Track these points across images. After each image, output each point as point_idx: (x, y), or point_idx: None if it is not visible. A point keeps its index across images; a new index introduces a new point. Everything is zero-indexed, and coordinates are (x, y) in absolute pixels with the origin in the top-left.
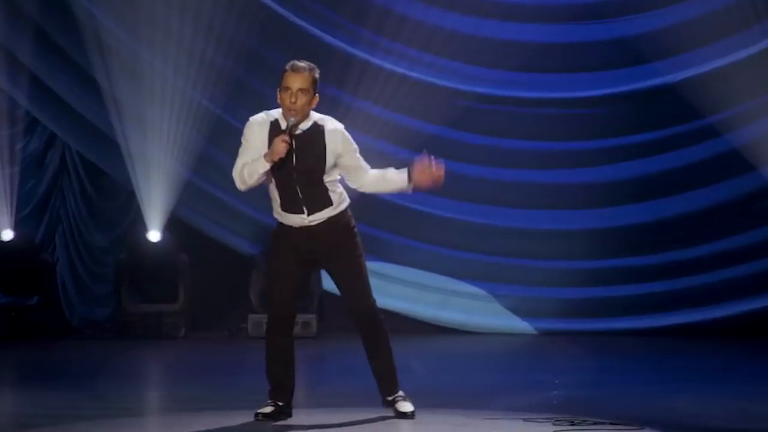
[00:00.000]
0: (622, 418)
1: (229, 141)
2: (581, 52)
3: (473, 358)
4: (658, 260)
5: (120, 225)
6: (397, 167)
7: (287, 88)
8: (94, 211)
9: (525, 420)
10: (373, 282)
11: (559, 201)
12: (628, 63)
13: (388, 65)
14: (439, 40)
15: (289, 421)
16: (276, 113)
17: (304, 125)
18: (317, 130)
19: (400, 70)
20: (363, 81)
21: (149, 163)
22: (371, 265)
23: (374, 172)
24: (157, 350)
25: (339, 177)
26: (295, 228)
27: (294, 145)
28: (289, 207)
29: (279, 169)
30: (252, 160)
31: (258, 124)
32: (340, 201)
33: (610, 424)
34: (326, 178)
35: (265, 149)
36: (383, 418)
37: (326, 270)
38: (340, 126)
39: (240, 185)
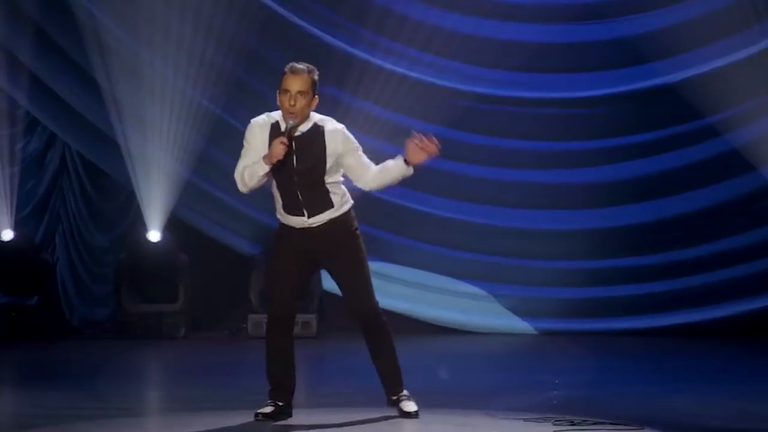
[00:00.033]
0: (622, 418)
1: (229, 141)
2: (581, 52)
3: (473, 358)
4: (658, 260)
5: (120, 225)
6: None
7: (286, 91)
8: (94, 211)
9: (525, 420)
10: (374, 282)
11: (559, 201)
12: (628, 63)
13: (388, 65)
14: (439, 40)
15: (289, 421)
16: (277, 115)
17: (304, 127)
18: (317, 131)
19: (400, 70)
20: (363, 81)
21: (149, 163)
22: (371, 266)
23: (375, 168)
24: (157, 350)
25: (342, 179)
26: (297, 229)
27: (294, 147)
28: (290, 209)
29: (279, 171)
30: (252, 163)
31: (259, 126)
32: (342, 203)
33: (610, 424)
34: (327, 180)
35: (266, 151)
36: (383, 418)
37: (328, 271)
38: (340, 126)
39: (241, 187)
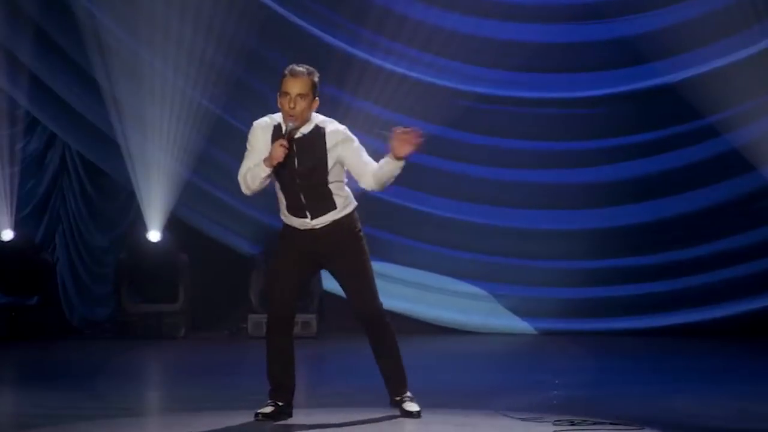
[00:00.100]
0: (622, 418)
1: (229, 141)
2: (581, 52)
3: (473, 358)
4: (658, 260)
5: (120, 225)
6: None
7: (286, 93)
8: (94, 211)
9: (525, 420)
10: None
11: (559, 201)
12: (628, 63)
13: (388, 65)
14: (439, 40)
15: (289, 421)
16: (279, 117)
17: (305, 129)
18: (318, 133)
19: (400, 70)
20: (363, 81)
21: (149, 163)
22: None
23: (374, 167)
24: (157, 350)
25: (346, 180)
26: (300, 230)
27: (295, 149)
28: (294, 210)
29: (281, 173)
30: (254, 165)
31: (261, 128)
32: (345, 204)
33: (610, 424)
34: (330, 181)
35: (268, 153)
36: (384, 418)
37: (331, 272)
38: (342, 127)
39: (245, 189)
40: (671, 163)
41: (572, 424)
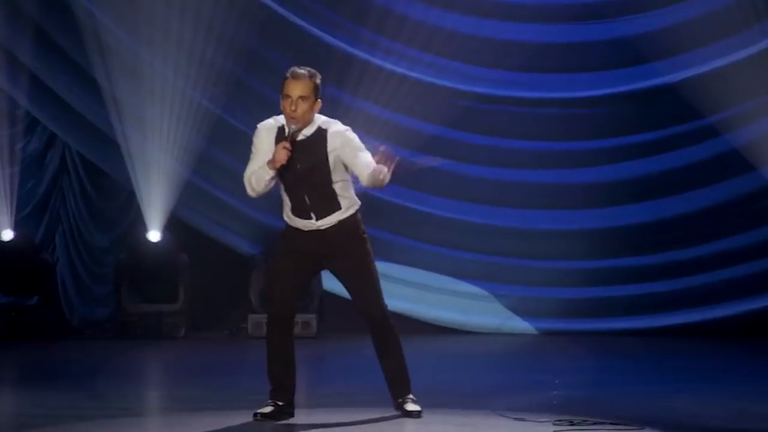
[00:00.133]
0: (622, 418)
1: (229, 141)
2: (581, 52)
3: (473, 358)
4: (658, 260)
5: (120, 225)
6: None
7: (287, 96)
8: (94, 211)
9: (525, 420)
10: None
11: (559, 201)
12: (628, 63)
13: (388, 65)
14: (439, 40)
15: (290, 421)
16: (284, 118)
17: (308, 131)
18: (320, 134)
19: (400, 70)
20: (363, 81)
21: (149, 163)
22: None
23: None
24: (157, 350)
25: (351, 180)
26: (305, 231)
27: (297, 152)
28: (299, 212)
29: (285, 175)
30: (259, 168)
31: (266, 130)
32: (350, 205)
33: (610, 424)
34: (334, 181)
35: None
36: (384, 418)
37: (335, 273)
38: (343, 128)
39: (250, 192)
40: (671, 163)
41: (572, 424)
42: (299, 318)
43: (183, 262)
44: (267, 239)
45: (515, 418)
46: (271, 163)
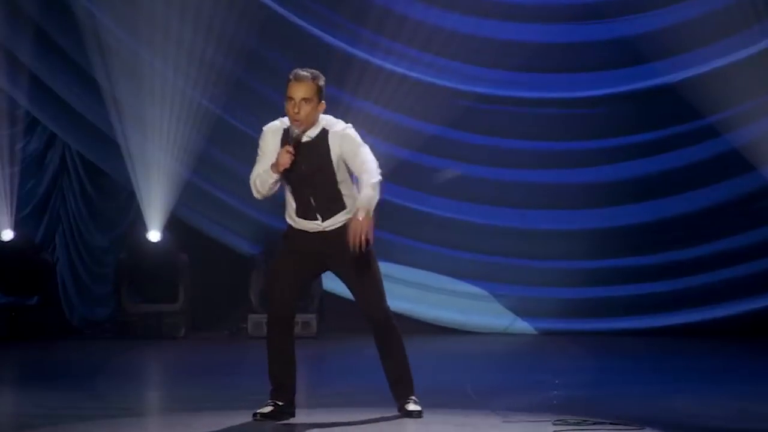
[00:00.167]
0: (622, 418)
1: (229, 141)
2: (581, 52)
3: (473, 358)
4: (658, 260)
5: (120, 225)
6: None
7: (291, 98)
8: (94, 211)
9: (525, 420)
10: None
11: (559, 201)
12: (628, 63)
13: (388, 65)
14: (439, 40)
15: (290, 421)
16: (288, 120)
17: (312, 132)
18: (324, 136)
19: (400, 70)
20: (363, 81)
21: (149, 163)
22: None
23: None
24: (157, 350)
25: (352, 180)
26: (309, 233)
27: (302, 153)
28: (304, 214)
29: (290, 178)
30: (263, 171)
31: (271, 132)
32: (354, 205)
33: (610, 424)
34: (339, 181)
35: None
36: (384, 418)
37: (339, 274)
38: (342, 127)
39: (256, 194)
40: (671, 163)
41: (572, 424)
42: (299, 318)
43: (183, 262)
44: (267, 239)
45: (515, 419)
46: (274, 166)
